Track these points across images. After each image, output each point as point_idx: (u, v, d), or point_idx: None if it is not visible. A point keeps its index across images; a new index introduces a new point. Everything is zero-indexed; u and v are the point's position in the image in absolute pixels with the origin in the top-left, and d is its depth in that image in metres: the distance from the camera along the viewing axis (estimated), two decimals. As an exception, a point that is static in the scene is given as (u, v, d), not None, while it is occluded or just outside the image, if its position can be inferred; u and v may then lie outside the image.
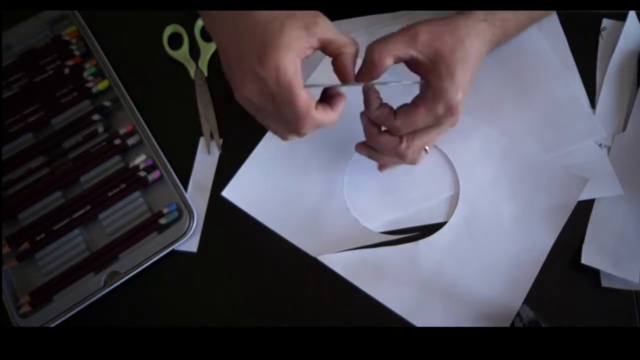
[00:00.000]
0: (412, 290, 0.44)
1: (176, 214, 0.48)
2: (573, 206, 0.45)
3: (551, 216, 0.45)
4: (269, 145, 0.50)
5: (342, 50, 0.35)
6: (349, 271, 0.45)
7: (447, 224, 0.46)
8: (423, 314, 0.43)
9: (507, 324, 0.43)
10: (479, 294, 0.44)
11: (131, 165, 0.50)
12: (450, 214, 0.46)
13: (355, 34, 0.50)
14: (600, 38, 0.51)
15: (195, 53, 0.55)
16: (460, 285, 0.44)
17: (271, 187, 0.49)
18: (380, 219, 0.47)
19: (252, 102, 0.34)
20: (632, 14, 0.51)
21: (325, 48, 0.35)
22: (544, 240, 0.45)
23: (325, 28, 0.33)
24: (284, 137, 0.37)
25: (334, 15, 0.49)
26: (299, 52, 0.32)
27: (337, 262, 0.45)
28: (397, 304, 0.44)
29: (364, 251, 0.46)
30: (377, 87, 0.39)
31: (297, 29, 0.32)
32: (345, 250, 0.46)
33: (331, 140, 0.48)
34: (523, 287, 0.44)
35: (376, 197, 0.48)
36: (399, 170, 0.48)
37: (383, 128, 0.40)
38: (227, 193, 0.48)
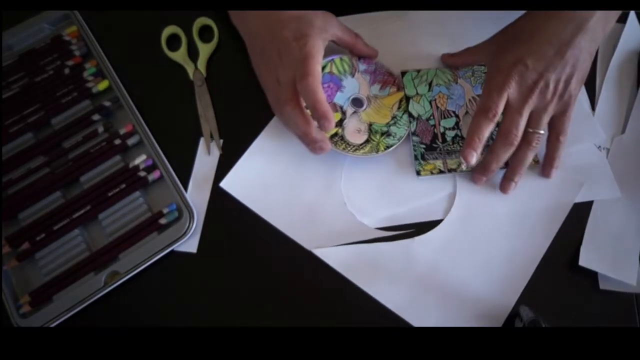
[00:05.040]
0: (406, 286, 0.45)
1: (176, 214, 0.48)
2: (569, 208, 0.46)
3: (547, 217, 0.46)
4: (268, 138, 0.50)
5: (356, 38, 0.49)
6: (344, 266, 0.45)
7: (443, 221, 0.46)
8: (416, 310, 0.44)
9: (501, 323, 0.43)
10: (472, 292, 0.44)
11: (131, 165, 0.50)
12: (446, 211, 0.47)
13: (358, 30, 0.50)
14: (600, 40, 0.52)
15: (193, 54, 0.55)
16: (454, 283, 0.44)
17: (269, 179, 0.49)
18: (376, 214, 0.47)
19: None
20: (632, 16, 0.52)
21: (338, 40, 0.47)
22: (539, 240, 0.45)
23: (337, 26, 0.47)
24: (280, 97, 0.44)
25: (338, 12, 0.50)
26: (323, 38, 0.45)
27: (332, 256, 0.46)
28: (391, 300, 0.44)
29: (359, 246, 0.46)
30: None
31: (320, 22, 0.45)
32: (341, 244, 0.46)
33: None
34: (517, 287, 0.44)
35: (373, 193, 0.48)
36: (396, 167, 0.48)
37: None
38: (226, 184, 0.49)
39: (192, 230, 0.47)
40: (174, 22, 0.56)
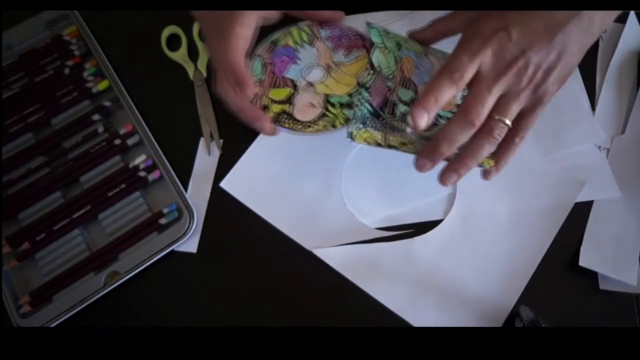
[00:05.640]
0: (405, 286, 0.45)
1: (176, 214, 0.48)
2: (570, 208, 0.45)
3: (548, 217, 0.45)
4: (268, 138, 0.50)
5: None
6: (344, 266, 0.45)
7: (443, 221, 0.46)
8: (416, 310, 0.44)
9: (501, 323, 0.43)
10: (472, 292, 0.44)
11: (131, 165, 0.50)
12: (446, 212, 0.47)
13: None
14: (600, 40, 0.52)
15: (193, 54, 0.55)
16: (454, 283, 0.44)
17: (269, 179, 0.49)
18: (376, 214, 0.47)
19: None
20: (632, 16, 0.52)
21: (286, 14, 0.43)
22: (540, 240, 0.45)
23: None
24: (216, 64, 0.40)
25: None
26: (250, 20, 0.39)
27: (333, 256, 0.46)
28: (391, 300, 0.44)
29: (359, 246, 0.46)
30: None
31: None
32: (341, 244, 0.46)
33: (330, 135, 0.48)
34: (517, 287, 0.44)
35: (373, 193, 0.48)
36: (397, 167, 0.48)
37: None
38: (226, 184, 0.49)
39: (192, 230, 0.47)
40: (174, 22, 0.56)
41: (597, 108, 0.49)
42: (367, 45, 0.44)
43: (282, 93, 0.43)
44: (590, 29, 0.36)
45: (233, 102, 0.40)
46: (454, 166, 0.39)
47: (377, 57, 0.42)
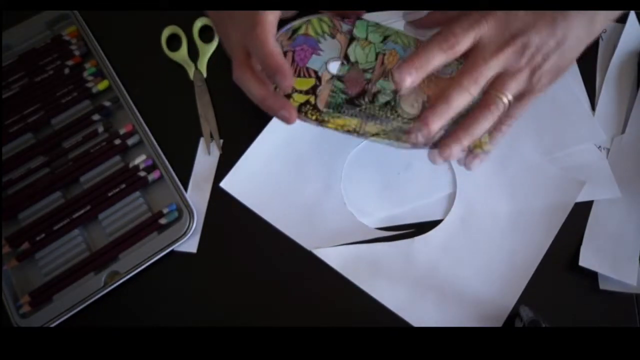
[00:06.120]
0: (405, 286, 0.45)
1: (176, 214, 0.48)
2: (570, 208, 0.45)
3: (548, 217, 0.45)
4: (268, 138, 0.50)
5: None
6: (344, 266, 0.45)
7: (443, 221, 0.46)
8: (416, 310, 0.44)
9: (501, 323, 0.43)
10: (472, 292, 0.44)
11: (131, 165, 0.50)
12: (446, 212, 0.47)
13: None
14: (600, 40, 0.52)
15: (193, 54, 0.55)
16: (454, 283, 0.44)
17: (269, 179, 0.49)
18: (376, 214, 0.47)
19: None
20: (632, 16, 0.52)
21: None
22: (540, 240, 0.45)
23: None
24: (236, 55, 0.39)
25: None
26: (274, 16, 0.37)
27: (332, 256, 0.46)
28: (391, 300, 0.44)
29: (359, 246, 0.46)
30: None
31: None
32: (341, 244, 0.46)
33: (330, 134, 0.48)
34: (517, 287, 0.44)
35: (373, 193, 0.48)
36: (397, 167, 0.48)
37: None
38: (225, 184, 0.49)
39: (192, 230, 0.47)
40: (174, 22, 0.56)
41: (597, 108, 0.49)
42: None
43: (306, 83, 0.41)
44: (592, 27, 0.36)
45: (255, 90, 0.37)
46: (447, 140, 0.38)
47: (354, 51, 0.42)
